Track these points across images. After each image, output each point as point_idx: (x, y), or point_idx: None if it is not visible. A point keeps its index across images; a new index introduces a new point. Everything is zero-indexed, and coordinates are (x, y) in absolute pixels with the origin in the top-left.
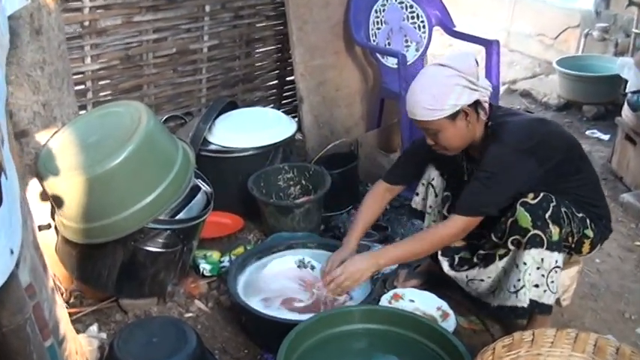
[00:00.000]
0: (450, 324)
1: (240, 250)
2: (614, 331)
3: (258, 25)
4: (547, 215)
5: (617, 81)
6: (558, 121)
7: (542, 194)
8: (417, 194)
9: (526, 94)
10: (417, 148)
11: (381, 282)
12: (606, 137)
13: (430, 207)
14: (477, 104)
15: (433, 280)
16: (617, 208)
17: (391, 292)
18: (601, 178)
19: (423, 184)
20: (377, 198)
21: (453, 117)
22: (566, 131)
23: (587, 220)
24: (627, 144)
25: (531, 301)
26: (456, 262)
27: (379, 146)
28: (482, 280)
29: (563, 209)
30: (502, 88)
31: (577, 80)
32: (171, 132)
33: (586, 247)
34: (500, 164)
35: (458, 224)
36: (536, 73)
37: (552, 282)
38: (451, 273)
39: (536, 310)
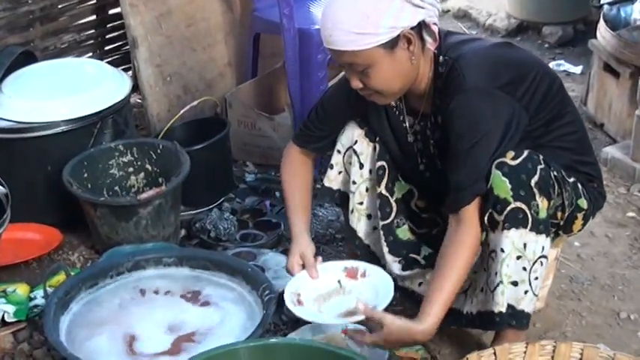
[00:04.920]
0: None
1: (60, 277)
2: (607, 339)
3: None
4: (533, 181)
5: None
6: None
7: (525, 152)
8: (332, 166)
9: (462, 16)
10: (339, 93)
11: (275, 304)
12: (577, 70)
13: (354, 183)
14: (421, 27)
15: None
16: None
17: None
18: None
19: (340, 152)
20: (300, 163)
21: (392, 45)
22: (541, 59)
23: (579, 186)
24: (607, 77)
25: (508, 306)
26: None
27: (258, 105)
28: None
29: (553, 173)
30: None
31: None
32: None
33: (578, 224)
34: (475, 120)
35: (469, 224)
36: None
37: (536, 278)
38: (405, 277)
39: (512, 321)
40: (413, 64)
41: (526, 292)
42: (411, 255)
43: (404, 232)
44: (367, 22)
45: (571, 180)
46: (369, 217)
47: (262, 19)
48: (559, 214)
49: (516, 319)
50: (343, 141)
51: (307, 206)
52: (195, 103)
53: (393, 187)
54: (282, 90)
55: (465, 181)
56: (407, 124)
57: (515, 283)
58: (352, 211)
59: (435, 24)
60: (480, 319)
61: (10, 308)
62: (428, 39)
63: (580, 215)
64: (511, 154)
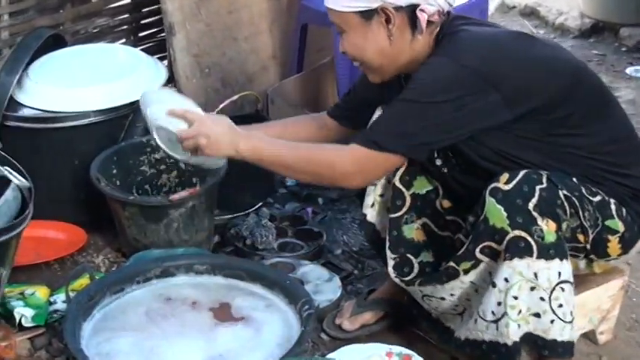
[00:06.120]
0: None
1: (83, 281)
2: None
3: None
4: (532, 205)
5: None
6: (583, 52)
7: (521, 173)
8: None
9: (529, 13)
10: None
11: (314, 321)
12: None
13: None
14: (413, 13)
15: (399, 313)
16: None
17: None
18: None
19: None
20: (306, 120)
21: (368, 16)
22: (570, 55)
23: (612, 204)
24: None
25: (532, 336)
26: (410, 268)
27: (302, 103)
28: (442, 299)
29: (561, 192)
30: (492, 4)
31: None
32: None
33: (614, 247)
34: (429, 84)
35: (348, 155)
36: None
37: (561, 305)
38: (397, 280)
39: (545, 351)
40: (393, 45)
41: (552, 321)
42: (408, 255)
43: (410, 230)
44: None
45: (596, 199)
46: (388, 210)
47: (311, 8)
48: (580, 236)
49: (551, 349)
50: None
51: (277, 129)
52: (234, 97)
53: (412, 181)
54: (330, 87)
55: (378, 129)
56: None
57: (537, 315)
58: (372, 204)
59: (422, 11)
60: (479, 348)
61: (28, 312)
62: (420, 26)
63: (614, 238)
64: (505, 177)
